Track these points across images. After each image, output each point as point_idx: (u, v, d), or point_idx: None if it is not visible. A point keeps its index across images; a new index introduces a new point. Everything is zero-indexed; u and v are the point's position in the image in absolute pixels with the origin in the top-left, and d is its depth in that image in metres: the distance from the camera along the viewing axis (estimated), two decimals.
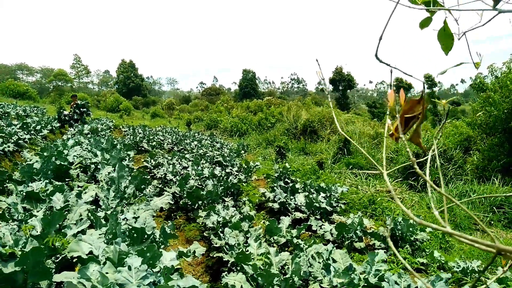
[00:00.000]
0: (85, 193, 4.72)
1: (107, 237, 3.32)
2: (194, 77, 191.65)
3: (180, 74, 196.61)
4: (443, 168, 11.53)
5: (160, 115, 39.28)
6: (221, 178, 7.36)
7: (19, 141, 9.48)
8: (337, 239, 5.24)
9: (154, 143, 13.82)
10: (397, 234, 5.27)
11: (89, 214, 3.92)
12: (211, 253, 4.60)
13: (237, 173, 9.00)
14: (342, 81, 59.53)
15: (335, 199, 6.53)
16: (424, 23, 0.88)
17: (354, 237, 5.17)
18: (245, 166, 9.34)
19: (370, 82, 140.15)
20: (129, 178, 5.71)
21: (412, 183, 10.22)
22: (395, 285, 3.19)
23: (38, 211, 4.02)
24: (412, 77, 0.80)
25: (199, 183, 7.19)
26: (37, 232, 3.30)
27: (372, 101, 59.03)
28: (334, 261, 3.78)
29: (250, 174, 9.17)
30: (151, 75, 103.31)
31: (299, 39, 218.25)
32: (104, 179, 5.98)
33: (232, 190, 6.96)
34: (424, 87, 0.78)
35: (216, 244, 4.51)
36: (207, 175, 7.60)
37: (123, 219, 3.86)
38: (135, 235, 3.32)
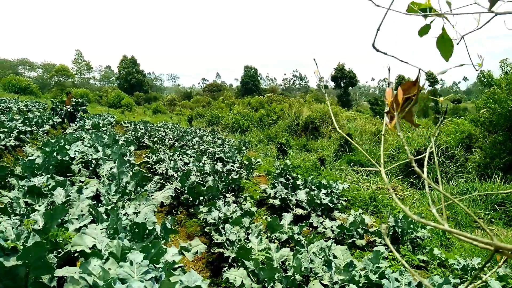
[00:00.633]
0: (87, 188, 4.74)
1: (108, 232, 3.33)
2: (196, 73, 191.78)
3: (182, 70, 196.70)
4: (445, 166, 11.52)
5: (161, 111, 39.29)
6: (222, 174, 7.37)
7: (21, 136, 9.50)
8: (338, 236, 5.26)
9: (156, 139, 13.84)
10: (398, 231, 5.27)
11: (91, 209, 3.94)
12: (212, 248, 4.62)
13: (238, 170, 9.01)
14: (344, 78, 59.41)
15: (336, 196, 6.53)
16: (423, 31, 0.88)
17: (355, 234, 5.18)
18: (246, 163, 9.35)
19: (373, 79, 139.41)
20: (130, 173, 5.73)
21: (413, 181, 10.22)
22: (395, 282, 3.19)
23: (40, 206, 4.03)
24: (408, 63, 0.80)
25: (200, 179, 7.20)
26: (39, 226, 3.32)
27: (374, 98, 58.89)
28: (335, 257, 3.79)
29: (251, 170, 9.18)
30: (152, 71, 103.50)
31: (302, 36, 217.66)
32: (105, 175, 6.00)
33: (233, 186, 6.97)
34: (419, 72, 0.79)
35: (217, 240, 4.53)
36: (208, 171, 7.61)
37: (124, 214, 3.87)
38: (136, 230, 3.33)
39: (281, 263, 3.73)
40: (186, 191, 6.25)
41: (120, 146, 8.46)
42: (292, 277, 3.31)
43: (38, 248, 2.53)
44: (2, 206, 4.06)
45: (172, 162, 8.37)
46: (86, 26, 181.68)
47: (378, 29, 0.78)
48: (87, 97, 36.30)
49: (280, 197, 6.51)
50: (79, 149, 7.49)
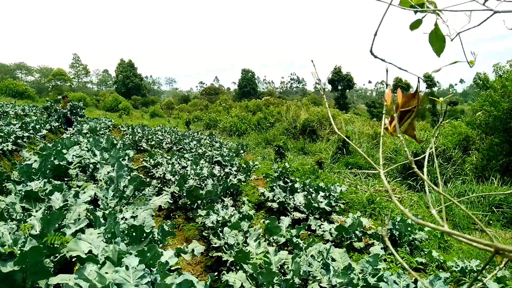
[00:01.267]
0: (84, 192, 4.71)
1: (106, 236, 3.32)
2: (193, 76, 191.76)
3: (179, 73, 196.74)
4: (442, 168, 11.54)
5: (159, 114, 39.26)
6: (220, 177, 7.35)
7: (18, 141, 9.46)
8: (336, 238, 5.25)
9: (153, 142, 13.81)
10: (396, 234, 5.27)
11: (88, 213, 3.92)
12: (210, 252, 4.60)
13: (236, 173, 8.99)
14: (341, 81, 59.57)
15: (334, 198, 6.53)
16: (415, 25, 0.87)
17: (353, 236, 5.18)
18: (244, 166, 9.33)
19: (369, 82, 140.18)
20: (128, 177, 5.71)
21: (411, 183, 10.23)
22: (394, 284, 3.19)
23: (37, 211, 4.01)
24: (406, 71, 0.80)
25: (198, 183, 7.18)
26: (36, 231, 3.30)
27: (372, 101, 59.11)
28: (334, 260, 3.79)
29: (249, 173, 9.16)
30: (150, 75, 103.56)
31: (300, 39, 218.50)
32: (103, 179, 5.97)
33: (231, 189, 6.95)
34: (419, 81, 0.78)
35: (215, 243, 4.51)
36: (206, 175, 7.59)
37: (122, 219, 3.85)
38: (134, 234, 3.31)
39: (279, 267, 3.71)
40: (184, 195, 6.23)
41: (117, 150, 8.44)
42: (291, 281, 3.30)
43: (35, 253, 2.51)
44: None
45: (170, 166, 8.35)
46: (83, 30, 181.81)
47: (375, 34, 0.77)
48: (84, 101, 36.21)
49: (278, 200, 6.50)
50: (76, 153, 7.46)
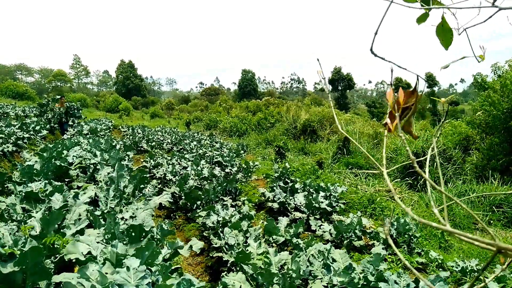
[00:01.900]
0: (84, 193, 4.71)
1: (106, 237, 3.31)
2: (193, 77, 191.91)
3: (179, 74, 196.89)
4: (442, 168, 11.53)
5: (159, 115, 39.23)
6: (221, 178, 7.35)
7: (18, 142, 9.46)
8: (336, 238, 5.24)
9: (154, 143, 13.81)
10: (394, 234, 5.27)
11: (88, 214, 3.91)
12: (211, 253, 4.60)
13: (237, 173, 8.99)
14: (341, 81, 59.56)
15: (335, 199, 6.53)
16: (421, 19, 0.86)
17: (353, 236, 5.17)
18: (245, 166, 9.33)
19: (370, 82, 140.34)
20: (128, 177, 5.71)
21: (411, 182, 10.23)
22: (394, 284, 3.19)
23: (37, 212, 4.01)
24: (406, 70, 0.79)
25: (199, 183, 7.18)
26: (36, 232, 3.30)
27: (372, 101, 59.12)
28: (334, 260, 3.78)
29: (249, 174, 9.16)
30: (150, 76, 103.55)
31: (300, 39, 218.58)
32: (103, 179, 5.97)
33: (232, 190, 6.95)
34: (417, 79, 0.78)
35: (215, 244, 4.51)
36: (206, 175, 7.59)
37: (122, 219, 3.85)
38: (133, 233, 3.31)
39: (280, 267, 3.71)
40: (184, 196, 6.23)
41: (118, 151, 8.44)
42: (291, 281, 3.29)
43: (35, 254, 2.51)
44: (0, 212, 4.03)
45: (170, 166, 8.35)
46: (84, 31, 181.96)
47: (375, 33, 0.77)
48: (84, 101, 36.26)
49: (278, 200, 6.50)
50: (77, 154, 7.47)
